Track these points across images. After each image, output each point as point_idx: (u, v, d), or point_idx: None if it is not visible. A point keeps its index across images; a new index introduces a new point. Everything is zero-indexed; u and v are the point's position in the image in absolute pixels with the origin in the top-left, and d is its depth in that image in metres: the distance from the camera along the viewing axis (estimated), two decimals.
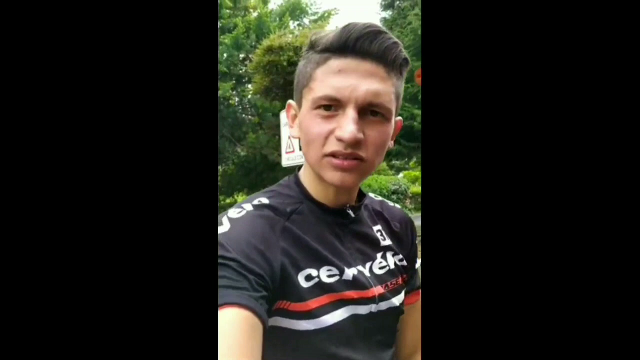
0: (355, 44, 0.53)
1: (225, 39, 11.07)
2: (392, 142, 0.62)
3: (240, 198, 11.29)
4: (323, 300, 0.56)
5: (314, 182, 0.63)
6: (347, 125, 0.53)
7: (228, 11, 11.87)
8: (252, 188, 10.15)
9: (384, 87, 0.54)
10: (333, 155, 0.55)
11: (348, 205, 0.65)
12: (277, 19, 12.17)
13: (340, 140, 0.54)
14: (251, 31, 11.34)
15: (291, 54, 6.35)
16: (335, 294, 0.57)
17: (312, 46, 0.58)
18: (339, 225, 0.63)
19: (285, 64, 6.39)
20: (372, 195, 0.75)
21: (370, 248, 0.66)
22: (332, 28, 0.63)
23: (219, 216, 0.56)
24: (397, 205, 0.78)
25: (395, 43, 0.55)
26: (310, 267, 0.56)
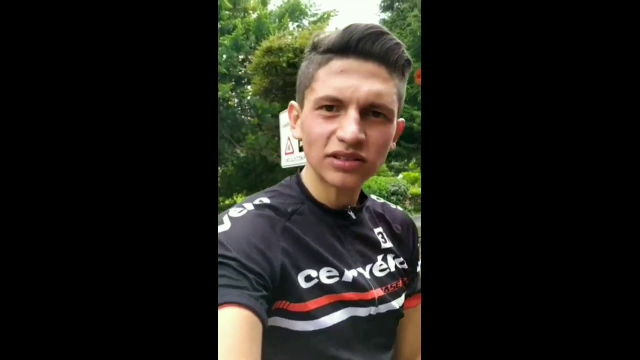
0: (357, 45, 0.53)
1: (224, 40, 11.07)
2: (394, 144, 0.62)
3: (239, 199, 11.28)
4: (322, 301, 0.55)
5: (315, 182, 0.62)
6: (349, 126, 0.53)
7: (227, 12, 11.86)
8: (251, 189, 10.13)
9: (386, 87, 0.54)
10: (335, 155, 0.55)
11: (349, 207, 0.64)
12: (277, 21, 12.17)
13: (341, 140, 0.53)
14: (250, 32, 11.34)
15: (290, 55, 6.35)
16: (334, 295, 0.57)
17: (315, 47, 0.58)
18: (339, 226, 0.63)
19: (284, 65, 6.39)
20: (373, 197, 0.75)
21: (370, 250, 0.65)
22: (332, 29, 0.63)
23: (220, 215, 0.56)
24: (399, 208, 0.77)
25: (398, 44, 0.55)
26: (310, 267, 0.56)
